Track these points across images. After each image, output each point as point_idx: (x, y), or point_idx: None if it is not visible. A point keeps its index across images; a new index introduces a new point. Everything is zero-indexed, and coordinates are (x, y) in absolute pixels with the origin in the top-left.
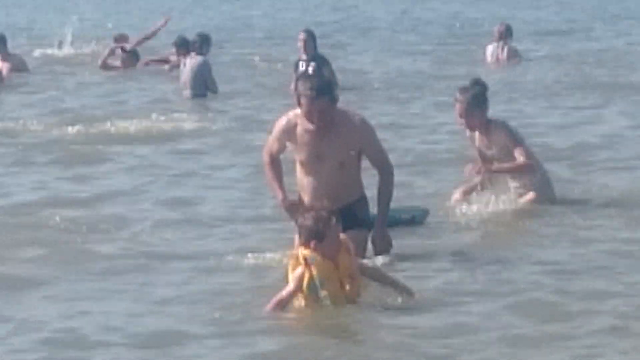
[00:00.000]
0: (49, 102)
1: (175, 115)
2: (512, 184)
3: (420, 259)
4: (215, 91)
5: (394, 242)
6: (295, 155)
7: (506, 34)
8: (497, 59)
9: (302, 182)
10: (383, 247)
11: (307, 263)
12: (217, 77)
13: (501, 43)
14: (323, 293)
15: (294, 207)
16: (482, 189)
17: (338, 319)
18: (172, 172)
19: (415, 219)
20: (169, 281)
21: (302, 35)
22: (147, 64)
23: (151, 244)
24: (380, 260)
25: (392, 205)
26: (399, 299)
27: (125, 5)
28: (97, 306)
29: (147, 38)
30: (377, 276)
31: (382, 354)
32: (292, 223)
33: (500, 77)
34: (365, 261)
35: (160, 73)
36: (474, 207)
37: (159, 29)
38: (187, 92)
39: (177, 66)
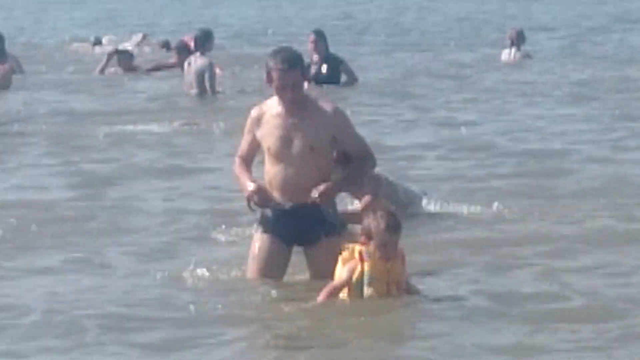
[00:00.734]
0: None
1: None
2: None
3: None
4: (213, 91)
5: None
6: (263, 143)
7: (518, 40)
8: (510, 63)
9: (270, 174)
10: (319, 195)
11: (361, 257)
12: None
13: (514, 49)
14: (368, 291)
15: (266, 192)
16: None
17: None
18: None
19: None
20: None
21: (311, 37)
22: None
23: None
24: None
25: None
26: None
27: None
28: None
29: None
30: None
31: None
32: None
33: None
34: (409, 279)
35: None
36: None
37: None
38: (194, 92)
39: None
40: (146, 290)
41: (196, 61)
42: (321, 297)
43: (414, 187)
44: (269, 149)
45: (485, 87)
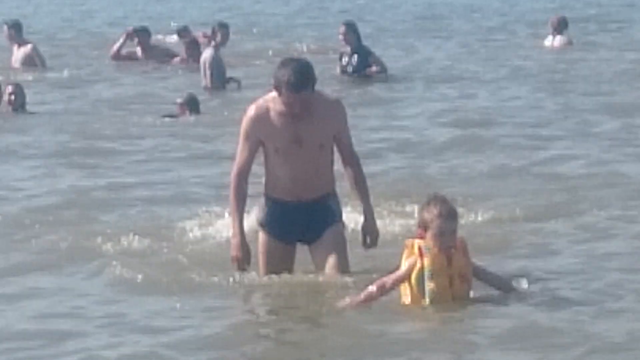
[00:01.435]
0: None
1: None
2: None
3: None
4: (212, 84)
5: None
6: (268, 143)
7: (561, 26)
8: (552, 49)
9: (277, 173)
10: (375, 239)
11: (420, 253)
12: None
13: (556, 35)
14: (429, 286)
15: (249, 258)
16: None
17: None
18: None
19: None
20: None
21: (342, 28)
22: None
23: None
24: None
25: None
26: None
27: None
28: None
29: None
30: (491, 279)
31: None
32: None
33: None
34: (479, 264)
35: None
36: None
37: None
38: (206, 82)
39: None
40: None
41: (204, 54)
42: (368, 290)
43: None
44: (277, 149)
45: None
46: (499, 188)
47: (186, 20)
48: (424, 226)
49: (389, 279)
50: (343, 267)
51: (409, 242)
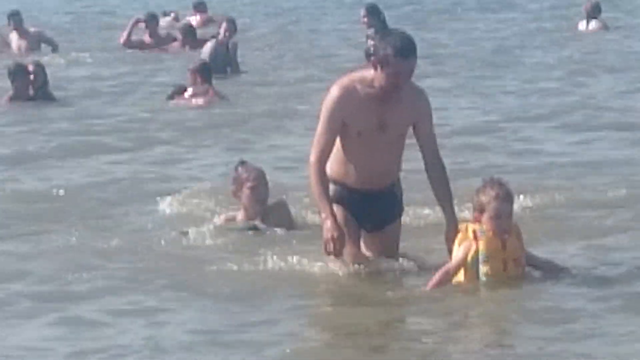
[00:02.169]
0: None
1: None
2: None
3: None
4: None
5: None
6: (351, 126)
7: (594, 11)
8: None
9: (352, 159)
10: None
11: (475, 236)
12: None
13: (592, 20)
14: (484, 269)
15: (344, 237)
16: None
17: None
18: None
19: None
20: None
21: (362, 12)
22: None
23: None
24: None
25: None
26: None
27: None
28: None
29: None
30: (543, 265)
31: None
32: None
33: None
34: (533, 252)
35: None
36: None
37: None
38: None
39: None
40: None
41: (205, 47)
42: (434, 280)
43: None
44: (359, 133)
45: None
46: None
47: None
48: (480, 209)
49: (450, 265)
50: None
51: (462, 226)
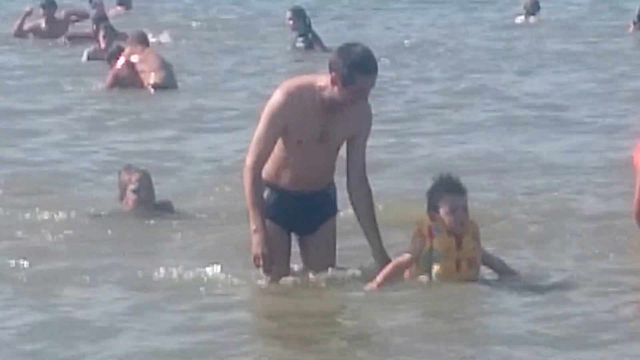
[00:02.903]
0: None
1: None
2: None
3: None
4: None
5: None
6: (293, 136)
7: (533, 8)
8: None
9: (289, 165)
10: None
11: (430, 233)
12: None
13: (530, 17)
14: (435, 268)
15: (273, 252)
16: None
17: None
18: None
19: None
20: None
21: (288, 14)
22: (69, 38)
23: None
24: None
25: None
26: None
27: None
28: None
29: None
30: (498, 266)
31: None
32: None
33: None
34: (489, 250)
35: None
36: None
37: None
38: None
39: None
40: None
41: None
42: (384, 273)
43: None
44: (299, 142)
45: None
46: None
47: None
48: (434, 207)
49: (403, 259)
50: (332, 264)
51: (417, 222)
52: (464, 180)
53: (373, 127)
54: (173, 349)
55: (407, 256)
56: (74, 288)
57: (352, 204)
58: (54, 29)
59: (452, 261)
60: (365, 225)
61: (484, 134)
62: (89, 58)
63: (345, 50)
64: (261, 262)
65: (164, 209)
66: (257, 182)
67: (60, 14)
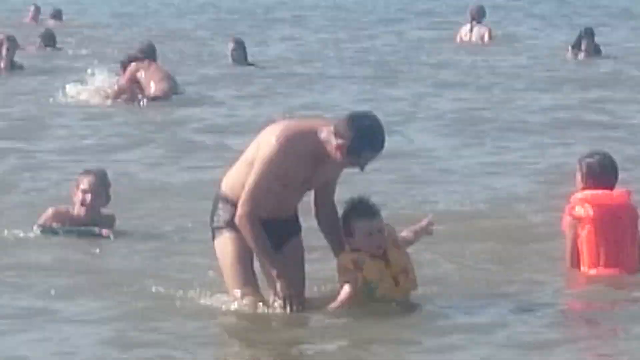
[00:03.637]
0: None
1: None
2: None
3: None
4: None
5: None
6: (284, 179)
7: (479, 15)
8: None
9: (268, 200)
10: None
11: (356, 266)
12: None
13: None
14: (377, 293)
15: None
16: None
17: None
18: None
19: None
20: None
21: (231, 45)
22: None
23: None
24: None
25: None
26: None
27: None
28: None
29: None
30: (412, 237)
31: None
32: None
33: None
34: (396, 230)
35: None
36: None
37: None
38: None
39: None
40: None
41: None
42: (338, 300)
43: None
44: (285, 185)
45: None
46: None
47: None
48: (349, 232)
49: (344, 296)
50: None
51: (341, 258)
52: None
53: None
54: None
55: (347, 288)
56: None
57: (325, 229)
58: None
59: (388, 281)
60: (334, 244)
61: None
62: None
63: (357, 121)
64: (291, 302)
65: (106, 222)
66: (258, 226)
67: None
